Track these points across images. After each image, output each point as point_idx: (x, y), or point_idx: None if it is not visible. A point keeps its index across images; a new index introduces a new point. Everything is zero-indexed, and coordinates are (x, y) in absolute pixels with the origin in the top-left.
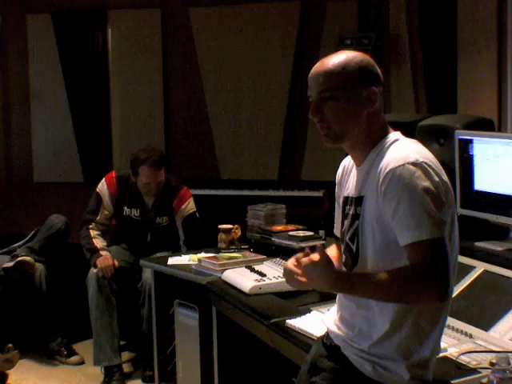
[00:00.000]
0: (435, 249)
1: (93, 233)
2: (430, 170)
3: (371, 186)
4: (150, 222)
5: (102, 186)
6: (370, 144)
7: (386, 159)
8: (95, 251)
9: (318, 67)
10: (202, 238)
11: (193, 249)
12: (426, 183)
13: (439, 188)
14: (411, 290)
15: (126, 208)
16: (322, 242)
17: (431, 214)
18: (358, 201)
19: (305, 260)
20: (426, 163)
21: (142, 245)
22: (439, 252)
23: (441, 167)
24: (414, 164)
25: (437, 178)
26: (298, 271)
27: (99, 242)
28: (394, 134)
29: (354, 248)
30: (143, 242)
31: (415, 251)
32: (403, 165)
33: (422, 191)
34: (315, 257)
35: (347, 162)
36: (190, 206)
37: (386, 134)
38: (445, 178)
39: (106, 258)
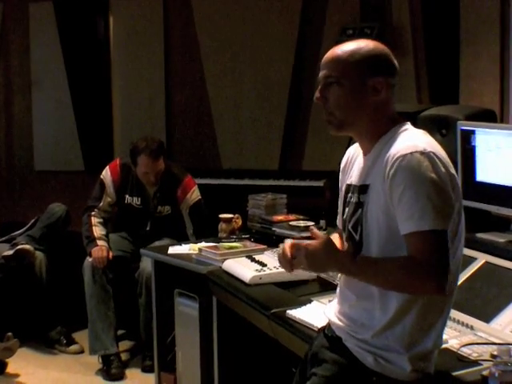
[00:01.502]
0: (436, 241)
1: (94, 220)
2: (438, 161)
3: (378, 174)
4: (150, 210)
5: (106, 173)
6: (378, 133)
7: (395, 147)
8: (92, 240)
9: (329, 53)
10: (209, 225)
11: (202, 238)
12: (433, 174)
13: (446, 180)
14: (410, 281)
15: (127, 196)
16: (323, 232)
17: (436, 205)
18: (361, 189)
19: (305, 242)
20: (434, 154)
21: (141, 234)
22: (440, 244)
23: (448, 160)
24: (423, 153)
25: (444, 170)
26: (289, 255)
27: (98, 231)
28: (404, 125)
29: (357, 237)
30: (142, 230)
31: (416, 241)
32: (412, 153)
33: (429, 182)
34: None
35: (353, 150)
36: (194, 194)
37: (395, 124)
38: (452, 170)
39: (101, 249)
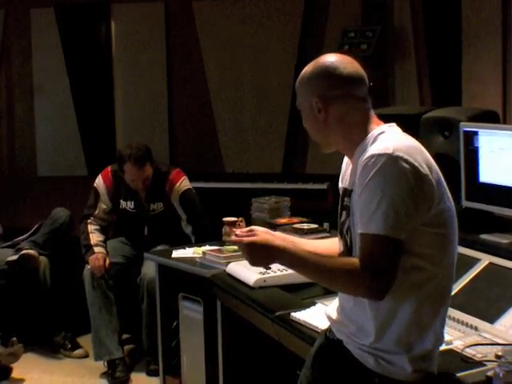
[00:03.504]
0: (378, 245)
1: (90, 228)
2: (405, 165)
3: (356, 180)
4: (144, 212)
5: (99, 181)
6: (354, 142)
7: (369, 151)
8: (89, 248)
9: None
10: (204, 214)
11: (199, 227)
12: (394, 179)
13: (406, 187)
14: (345, 281)
15: (122, 201)
16: (327, 234)
17: (385, 210)
18: (349, 192)
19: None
20: (401, 158)
21: (139, 239)
22: (383, 249)
23: (426, 160)
24: (389, 156)
25: (410, 175)
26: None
27: (95, 238)
28: (380, 128)
29: (348, 240)
30: (141, 235)
31: (361, 242)
32: (378, 155)
33: (386, 187)
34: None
35: None
36: (183, 183)
37: (370, 129)
38: (425, 171)
39: (97, 258)
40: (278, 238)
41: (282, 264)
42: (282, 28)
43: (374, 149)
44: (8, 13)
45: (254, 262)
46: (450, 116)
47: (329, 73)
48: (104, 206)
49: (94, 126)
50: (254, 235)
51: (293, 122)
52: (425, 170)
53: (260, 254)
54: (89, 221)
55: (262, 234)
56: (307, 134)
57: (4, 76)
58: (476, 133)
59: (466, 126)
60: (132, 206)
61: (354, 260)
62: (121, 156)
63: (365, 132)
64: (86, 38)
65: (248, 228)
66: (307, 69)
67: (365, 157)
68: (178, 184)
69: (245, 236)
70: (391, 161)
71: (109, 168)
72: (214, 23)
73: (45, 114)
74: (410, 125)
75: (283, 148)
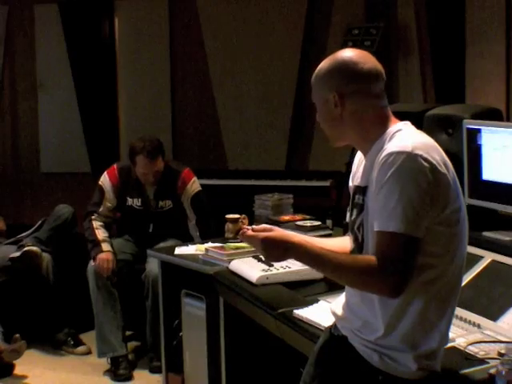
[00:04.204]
0: (398, 243)
1: (95, 224)
2: (425, 164)
3: (372, 177)
4: (151, 210)
5: (104, 178)
6: (370, 139)
7: (387, 149)
8: (96, 243)
9: None
10: (212, 216)
11: (205, 229)
12: (413, 177)
13: (425, 185)
14: (362, 279)
15: (128, 198)
16: (330, 231)
17: (406, 208)
18: (363, 190)
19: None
20: (421, 156)
21: (144, 236)
22: (402, 247)
23: (443, 159)
24: (408, 154)
25: (429, 174)
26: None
27: (101, 233)
28: (397, 126)
29: (360, 238)
30: (145, 232)
31: (379, 240)
32: (397, 152)
33: (406, 184)
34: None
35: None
36: (194, 185)
37: (387, 127)
38: (444, 170)
39: (106, 260)
40: (293, 235)
41: (298, 259)
42: (286, 25)
43: (392, 146)
44: (12, 9)
45: (269, 257)
46: (453, 113)
47: (348, 68)
48: (109, 204)
49: (97, 122)
50: (270, 230)
51: (296, 120)
52: (442, 168)
53: (276, 249)
54: (93, 217)
55: (278, 229)
56: (310, 132)
57: (8, 72)
58: (479, 130)
59: (470, 124)
60: (139, 204)
61: (371, 257)
62: (133, 148)
63: (381, 129)
64: (90, 34)
65: (262, 226)
66: (325, 63)
67: (383, 154)
68: (190, 184)
69: (261, 231)
70: (410, 159)
71: (114, 166)
72: (217, 21)
73: (48, 111)
74: (413, 122)
75: (286, 145)
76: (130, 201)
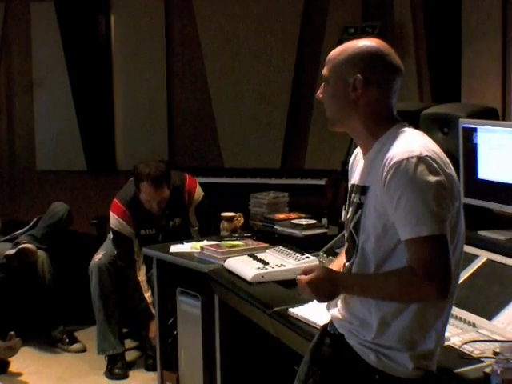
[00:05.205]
0: (435, 245)
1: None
2: (435, 165)
3: (375, 177)
4: (162, 229)
5: (118, 222)
6: (373, 133)
7: (391, 151)
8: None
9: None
10: (212, 221)
11: (206, 231)
12: (429, 178)
13: (442, 183)
14: (410, 292)
15: (142, 231)
16: (325, 230)
17: (432, 210)
18: (362, 190)
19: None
20: (430, 157)
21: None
22: (439, 249)
23: (446, 159)
24: (419, 158)
25: (441, 172)
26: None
27: (142, 275)
28: (401, 125)
29: (356, 237)
30: (155, 242)
31: (415, 247)
32: (408, 158)
33: (425, 186)
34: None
35: (359, 149)
36: (198, 192)
37: (391, 124)
38: (449, 170)
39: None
40: (331, 269)
41: (348, 293)
42: (282, 23)
43: (398, 151)
44: (8, 6)
45: (321, 298)
46: (449, 112)
47: (379, 56)
48: (132, 237)
49: (93, 120)
50: (311, 272)
51: (292, 118)
52: (449, 168)
53: (325, 288)
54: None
55: (319, 268)
56: (306, 130)
57: (3, 70)
58: (475, 129)
59: (466, 123)
60: (153, 232)
61: (408, 268)
62: (138, 173)
63: (385, 128)
64: (86, 32)
65: (302, 269)
66: (353, 44)
67: (391, 160)
68: (195, 194)
69: (303, 276)
70: (422, 162)
71: (118, 202)
72: (213, 19)
73: (44, 108)
74: (409, 121)
75: (282, 143)
76: (142, 232)
